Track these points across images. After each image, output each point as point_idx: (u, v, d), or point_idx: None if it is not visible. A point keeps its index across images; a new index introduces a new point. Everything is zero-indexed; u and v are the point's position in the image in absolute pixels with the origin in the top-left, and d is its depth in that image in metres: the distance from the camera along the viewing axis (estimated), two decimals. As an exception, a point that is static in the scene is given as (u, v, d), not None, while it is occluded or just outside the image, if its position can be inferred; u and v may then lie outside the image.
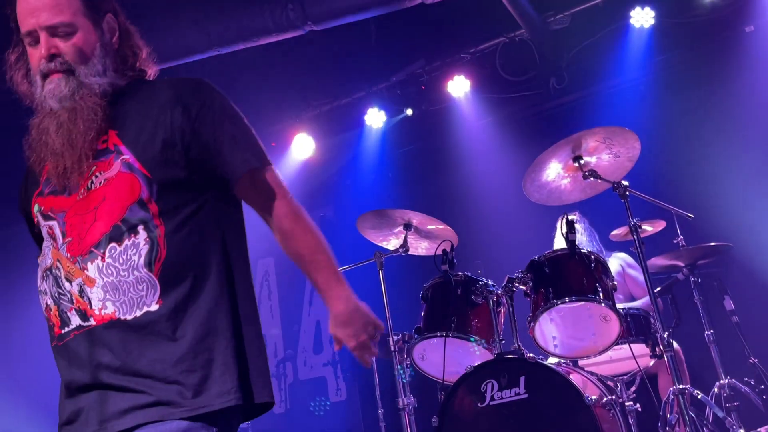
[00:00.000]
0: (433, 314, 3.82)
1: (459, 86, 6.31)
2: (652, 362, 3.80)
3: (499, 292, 3.76)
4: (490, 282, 3.82)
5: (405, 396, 4.00)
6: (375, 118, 6.60)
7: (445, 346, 3.62)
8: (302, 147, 6.80)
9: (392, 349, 4.10)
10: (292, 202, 1.88)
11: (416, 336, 3.83)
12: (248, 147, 1.85)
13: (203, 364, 1.70)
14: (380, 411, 4.76)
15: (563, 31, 6.06)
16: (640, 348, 3.72)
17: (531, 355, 3.46)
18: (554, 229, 5.04)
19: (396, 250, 4.24)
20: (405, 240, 4.24)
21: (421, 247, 4.36)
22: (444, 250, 3.92)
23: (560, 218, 4.76)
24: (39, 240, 1.88)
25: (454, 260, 3.89)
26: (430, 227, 4.28)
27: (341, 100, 6.82)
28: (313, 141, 6.83)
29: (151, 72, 1.96)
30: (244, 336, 1.79)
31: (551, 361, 3.74)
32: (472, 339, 3.66)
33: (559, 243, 4.67)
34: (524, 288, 3.69)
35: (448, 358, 3.66)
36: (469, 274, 3.85)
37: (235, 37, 5.44)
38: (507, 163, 6.13)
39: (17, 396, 5.84)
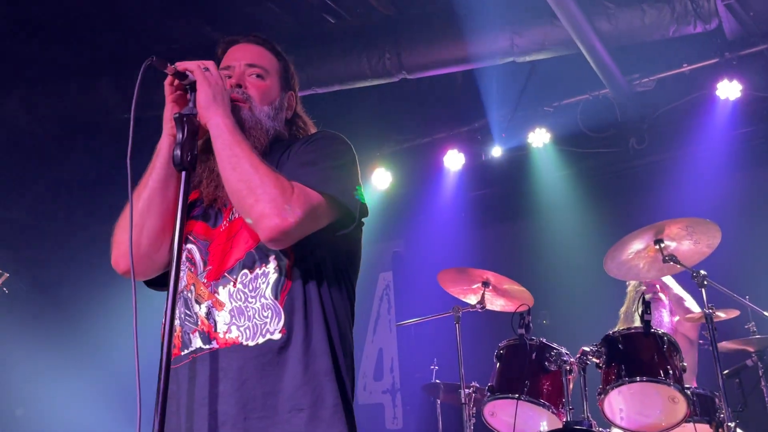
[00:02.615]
0: (507, 375, 4.03)
1: (539, 137, 6.50)
2: (714, 443, 3.92)
3: (572, 360, 3.94)
4: (563, 350, 4.00)
5: (471, 448, 4.22)
6: (453, 160, 6.83)
7: (516, 408, 3.82)
8: (380, 180, 7.07)
9: (463, 401, 4.33)
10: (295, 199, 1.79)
11: (489, 394, 4.04)
12: (319, 171, 1.86)
13: (312, 403, 1.76)
14: (441, 453, 5.00)
15: (647, 93, 6.19)
16: (703, 428, 3.86)
17: (601, 430, 3.64)
18: (619, 288, 5.18)
19: (473, 306, 4.47)
20: (482, 297, 4.47)
21: (496, 304, 4.58)
22: (521, 313, 4.12)
23: (632, 290, 4.92)
24: None
25: (530, 324, 4.09)
26: (506, 286, 4.50)
27: (422, 139, 7.07)
28: (391, 176, 7.10)
29: None
30: (348, 380, 1.87)
31: (615, 431, 3.92)
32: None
33: (628, 313, 4.83)
34: (597, 361, 3.87)
35: (517, 418, 3.87)
36: (544, 340, 4.04)
37: (333, 80, 5.76)
38: (580, 217, 6.30)
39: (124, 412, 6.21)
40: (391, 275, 7.20)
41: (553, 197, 6.49)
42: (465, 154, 6.80)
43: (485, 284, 4.47)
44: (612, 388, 3.73)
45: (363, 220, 2.03)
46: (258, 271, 1.85)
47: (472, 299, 4.56)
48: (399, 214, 7.17)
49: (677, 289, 4.82)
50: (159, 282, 2.05)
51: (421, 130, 7.05)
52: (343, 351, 1.88)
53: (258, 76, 2.06)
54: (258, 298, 1.83)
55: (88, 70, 6.02)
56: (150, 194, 1.93)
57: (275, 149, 2.02)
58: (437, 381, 5.11)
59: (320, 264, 1.91)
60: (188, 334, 1.86)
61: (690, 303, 4.64)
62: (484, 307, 4.46)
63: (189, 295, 1.89)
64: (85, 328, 6.59)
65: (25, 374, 5.83)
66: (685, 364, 3.83)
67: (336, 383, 1.82)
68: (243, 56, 2.08)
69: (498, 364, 4.14)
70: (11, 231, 6.76)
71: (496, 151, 6.63)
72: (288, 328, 1.81)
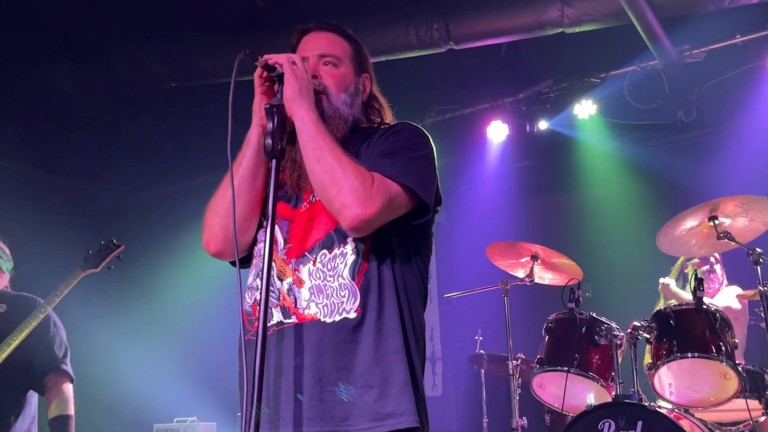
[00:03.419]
0: (556, 348, 4.07)
1: (585, 109, 6.44)
2: (763, 418, 3.94)
3: (622, 335, 3.97)
4: (614, 324, 4.03)
5: (519, 418, 4.29)
6: (497, 131, 6.80)
7: (566, 381, 3.87)
8: (423, 151, 7.06)
9: (510, 372, 4.38)
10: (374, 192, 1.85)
11: (538, 366, 4.09)
12: (398, 163, 1.92)
13: (382, 381, 1.84)
14: (485, 421, 5.09)
15: (696, 65, 6.09)
16: (753, 404, 3.88)
17: (651, 404, 3.67)
18: (664, 262, 5.18)
19: (522, 280, 4.50)
20: (531, 270, 4.49)
21: (545, 278, 4.60)
22: (571, 288, 4.15)
23: (678, 266, 4.92)
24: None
25: (580, 298, 4.11)
26: (555, 260, 4.51)
27: (465, 110, 7.03)
28: (433, 146, 7.07)
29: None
30: (417, 359, 1.93)
31: (664, 404, 3.95)
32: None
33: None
34: (647, 336, 3.89)
35: (566, 391, 3.92)
36: (594, 314, 4.06)
37: (380, 50, 5.74)
38: (626, 189, 6.28)
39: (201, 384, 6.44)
40: (433, 246, 7.22)
41: (599, 169, 6.46)
42: (509, 125, 6.77)
43: (534, 258, 4.50)
44: (663, 364, 3.75)
45: (437, 208, 2.09)
46: (336, 251, 1.92)
47: (521, 273, 4.59)
48: (441, 185, 7.12)
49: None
50: (241, 260, 2.10)
51: (463, 101, 7.02)
52: (414, 332, 1.95)
53: (331, 64, 2.09)
54: (336, 277, 1.90)
55: (134, 41, 6.08)
56: (240, 182, 2.00)
57: (355, 138, 2.07)
58: (482, 351, 5.17)
59: (395, 248, 1.98)
60: (271, 308, 1.93)
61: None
62: (532, 281, 4.49)
63: (271, 271, 1.94)
64: (149, 294, 6.81)
65: (95, 339, 6.07)
66: (737, 340, 3.84)
67: (405, 362, 1.88)
68: (315, 46, 2.11)
69: (547, 337, 4.18)
70: (66, 198, 6.94)
71: (543, 125, 6.58)
72: (363, 308, 1.88)
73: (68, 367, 3.68)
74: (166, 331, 6.91)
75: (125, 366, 6.62)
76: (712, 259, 4.80)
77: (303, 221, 1.99)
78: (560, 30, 5.52)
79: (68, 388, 3.64)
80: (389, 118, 2.20)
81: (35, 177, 6.80)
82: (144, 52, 6.08)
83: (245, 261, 2.11)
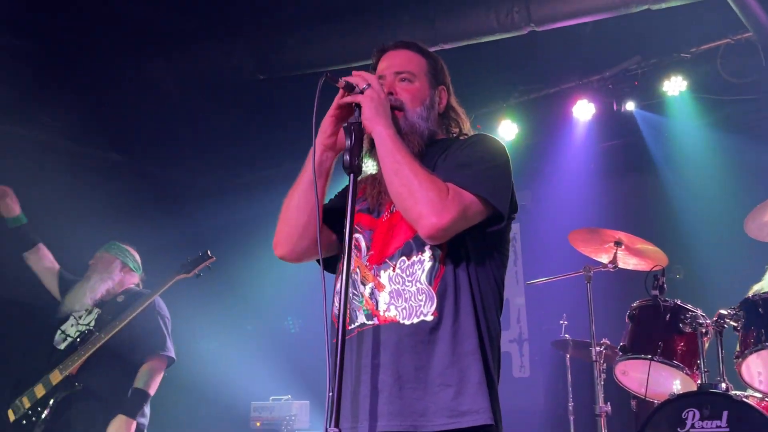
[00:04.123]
0: (640, 336, 4.05)
1: (675, 85, 6.23)
2: None
3: (708, 323, 3.90)
4: (699, 312, 3.96)
5: (603, 403, 4.29)
6: (583, 111, 6.67)
7: (649, 369, 3.85)
8: (506, 132, 7.01)
9: (594, 359, 4.39)
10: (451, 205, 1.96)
11: (621, 353, 4.08)
12: (473, 173, 2.03)
13: (458, 381, 1.95)
14: (570, 405, 5.10)
15: (796, 34, 5.79)
16: None
17: (738, 393, 3.61)
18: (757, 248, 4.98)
19: (605, 265, 4.47)
20: (614, 256, 4.46)
21: (629, 263, 4.55)
22: (655, 275, 4.10)
23: None
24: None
25: (665, 285, 4.06)
26: (639, 246, 4.46)
27: (550, 89, 6.93)
28: (517, 127, 7.02)
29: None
30: (492, 360, 2.04)
31: (753, 393, 3.87)
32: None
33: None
34: (734, 324, 3.81)
35: (650, 378, 3.90)
36: (679, 302, 4.01)
37: (460, 35, 5.74)
38: (718, 169, 6.06)
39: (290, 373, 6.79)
40: (519, 227, 7.22)
41: (688, 148, 6.25)
42: (595, 104, 6.63)
43: (617, 244, 4.46)
44: (751, 352, 3.68)
45: (513, 216, 2.17)
46: (415, 258, 2.05)
47: (604, 258, 4.56)
48: (526, 166, 7.11)
49: None
50: (327, 266, 2.28)
51: (548, 80, 6.92)
52: (488, 334, 2.06)
53: (407, 80, 2.22)
54: (414, 282, 2.03)
55: (224, 34, 6.32)
56: (300, 195, 2.19)
57: (432, 150, 2.20)
58: (566, 336, 5.17)
59: (471, 255, 2.08)
60: (355, 311, 2.10)
61: None
62: (616, 267, 4.46)
63: (356, 276, 2.13)
64: (248, 283, 7.16)
65: (200, 327, 6.47)
66: (831, 329, 3.71)
67: (481, 363, 1.99)
68: (391, 64, 2.25)
69: (630, 324, 4.16)
70: (167, 188, 7.35)
71: (630, 104, 6.42)
72: (439, 312, 2.00)
73: (169, 352, 4.13)
74: (264, 318, 7.24)
75: (227, 351, 7.01)
76: None
77: (384, 230, 2.13)
78: (646, 7, 5.37)
79: (157, 372, 4.09)
80: (467, 128, 2.31)
81: (131, 167, 7.22)
82: (234, 45, 6.31)
83: (328, 266, 2.27)
